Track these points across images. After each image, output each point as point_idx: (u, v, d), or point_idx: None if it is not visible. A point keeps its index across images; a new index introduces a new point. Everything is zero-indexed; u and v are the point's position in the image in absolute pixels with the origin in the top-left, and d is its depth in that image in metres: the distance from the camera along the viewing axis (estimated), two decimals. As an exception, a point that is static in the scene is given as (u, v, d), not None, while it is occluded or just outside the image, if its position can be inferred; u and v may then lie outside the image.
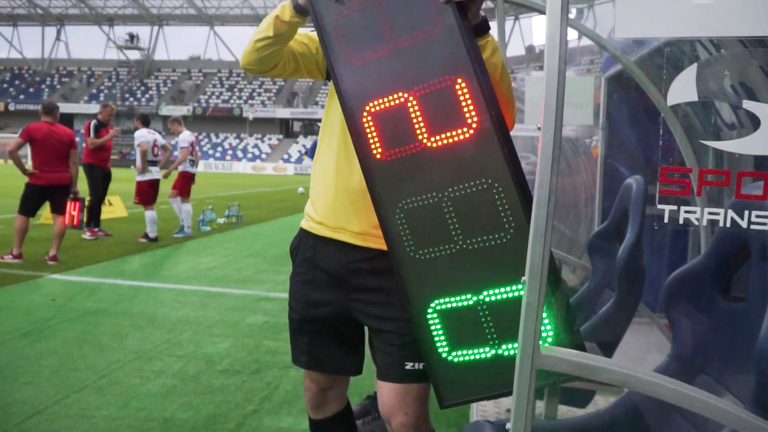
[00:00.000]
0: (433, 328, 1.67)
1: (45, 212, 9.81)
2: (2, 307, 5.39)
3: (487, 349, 1.61)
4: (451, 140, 1.60)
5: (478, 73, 1.56)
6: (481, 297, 1.60)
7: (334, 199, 1.94)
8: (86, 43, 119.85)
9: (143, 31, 66.02)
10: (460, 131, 1.59)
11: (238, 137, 59.46)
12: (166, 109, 57.62)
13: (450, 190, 1.61)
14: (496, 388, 1.64)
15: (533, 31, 48.45)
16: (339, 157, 1.93)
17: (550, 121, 1.08)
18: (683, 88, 1.18)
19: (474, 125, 1.57)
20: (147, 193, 9.49)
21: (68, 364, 4.03)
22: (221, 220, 12.38)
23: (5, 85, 65.15)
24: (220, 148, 58.17)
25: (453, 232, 1.62)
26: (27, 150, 7.74)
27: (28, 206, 7.36)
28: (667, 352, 1.89)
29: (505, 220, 1.55)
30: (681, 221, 1.18)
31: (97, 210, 9.76)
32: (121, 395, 3.57)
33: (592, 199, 5.85)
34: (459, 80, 1.58)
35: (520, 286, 1.48)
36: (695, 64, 1.19)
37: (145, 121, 9.79)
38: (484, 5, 1.76)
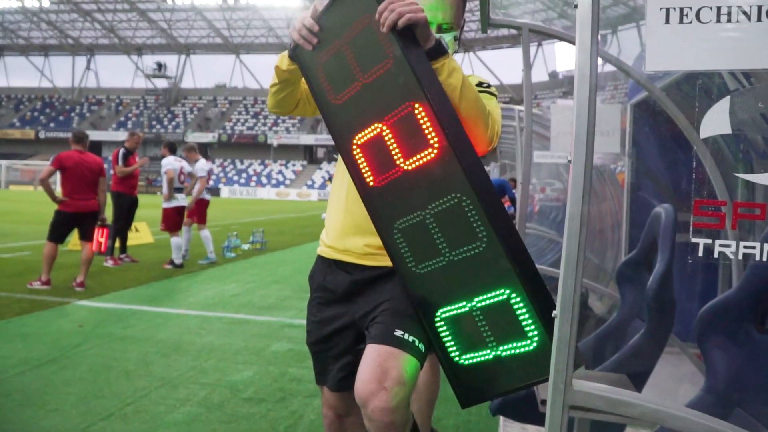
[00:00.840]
0: (443, 334, 1.80)
1: (73, 239, 9.98)
2: (31, 333, 5.45)
3: (488, 351, 1.72)
4: (421, 161, 1.74)
5: (428, 95, 1.69)
6: (473, 303, 1.72)
7: (342, 224, 2.07)
8: (115, 72, 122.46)
9: (171, 60, 67.35)
10: (427, 152, 1.73)
11: (263, 163, 60.05)
12: (192, 136, 58.43)
13: (430, 207, 1.74)
14: (501, 387, 1.75)
15: (556, 57, 48.68)
16: (350, 184, 2.01)
17: (581, 154, 1.08)
18: (716, 121, 1.18)
19: (436, 145, 1.71)
20: (173, 220, 9.60)
21: (95, 391, 4.05)
22: (246, 246, 12.45)
23: (36, 114, 66.63)
24: (244, 174, 58.75)
25: (440, 246, 1.75)
26: (56, 177, 7.89)
27: (57, 233, 7.47)
28: (699, 382, 1.85)
29: (477, 230, 1.67)
30: (716, 255, 1.16)
31: (123, 237, 9.89)
32: (146, 423, 3.57)
33: (618, 226, 5.79)
34: (416, 105, 1.72)
35: (501, 291, 1.64)
36: (728, 97, 1.18)
37: (172, 149, 9.93)
38: (507, 31, 1.84)
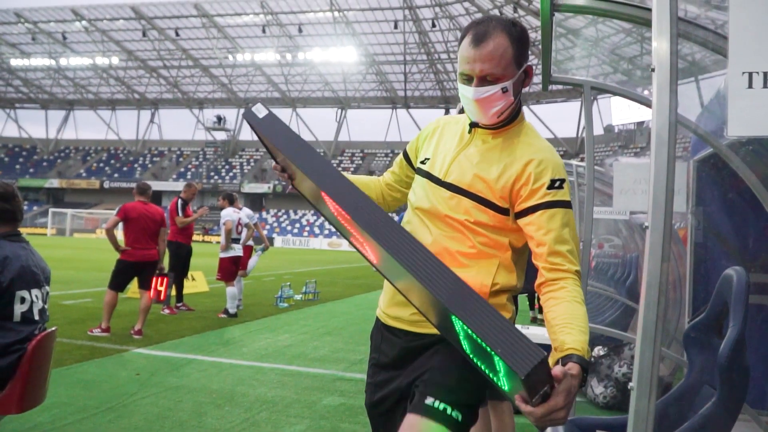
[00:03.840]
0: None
1: (132, 287, 10.22)
2: (90, 380, 5.55)
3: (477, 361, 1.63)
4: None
5: (327, 188, 1.62)
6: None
7: (392, 290, 2.06)
8: (177, 125, 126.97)
9: (230, 114, 69.55)
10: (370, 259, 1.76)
11: (316, 214, 60.83)
12: (248, 187, 59.80)
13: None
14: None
15: (612, 111, 48.32)
16: None
17: (659, 220, 1.04)
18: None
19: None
20: (228, 270, 9.76)
21: (149, 442, 4.07)
22: (298, 297, 12.52)
23: (102, 165, 69.43)
24: (297, 225, 59.56)
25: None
26: (119, 226, 8.15)
27: (119, 281, 7.67)
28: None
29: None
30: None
31: (180, 286, 10.10)
32: (199, 476, 3.55)
33: (680, 284, 5.60)
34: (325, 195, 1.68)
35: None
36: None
37: (231, 200, 10.16)
38: (561, 86, 1.80)
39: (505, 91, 1.86)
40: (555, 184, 1.85)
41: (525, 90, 1.99)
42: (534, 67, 2.14)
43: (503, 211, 1.90)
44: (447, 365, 1.89)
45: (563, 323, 1.62)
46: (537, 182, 1.85)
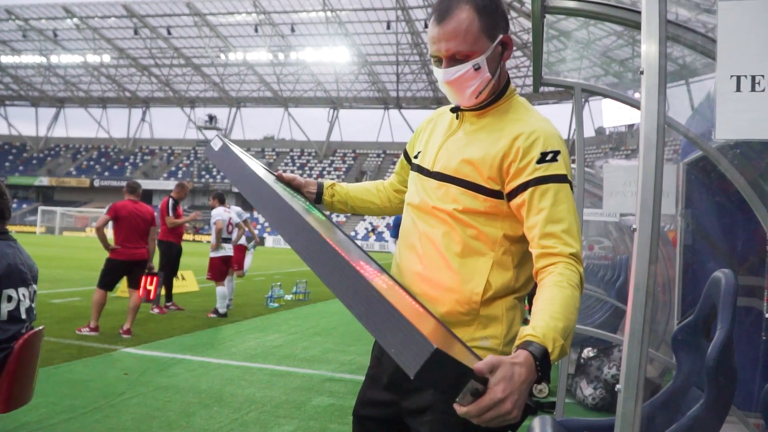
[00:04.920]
0: None
1: (122, 285, 10.17)
2: (78, 380, 5.52)
3: None
4: None
5: (267, 216, 1.58)
6: None
7: None
8: (168, 124, 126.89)
9: (221, 113, 69.44)
10: None
11: (307, 214, 60.72)
12: (240, 186, 59.53)
13: None
14: None
15: (603, 113, 48.49)
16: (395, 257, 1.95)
17: (647, 223, 1.05)
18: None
19: None
20: (219, 269, 9.73)
21: (137, 442, 4.05)
22: (289, 297, 12.49)
23: (92, 163, 69.11)
24: (289, 225, 59.42)
25: None
26: (108, 225, 8.10)
27: (108, 280, 7.63)
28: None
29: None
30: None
31: (169, 285, 10.07)
32: (187, 477, 3.54)
33: (669, 287, 5.62)
34: None
35: None
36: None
37: (221, 200, 10.14)
38: (553, 88, 1.73)
39: (477, 68, 1.70)
40: (546, 157, 1.64)
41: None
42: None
43: (494, 194, 1.70)
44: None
45: (535, 312, 1.45)
46: (526, 157, 1.65)
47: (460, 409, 1.22)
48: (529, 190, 1.62)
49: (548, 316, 1.41)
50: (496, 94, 1.80)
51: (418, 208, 1.84)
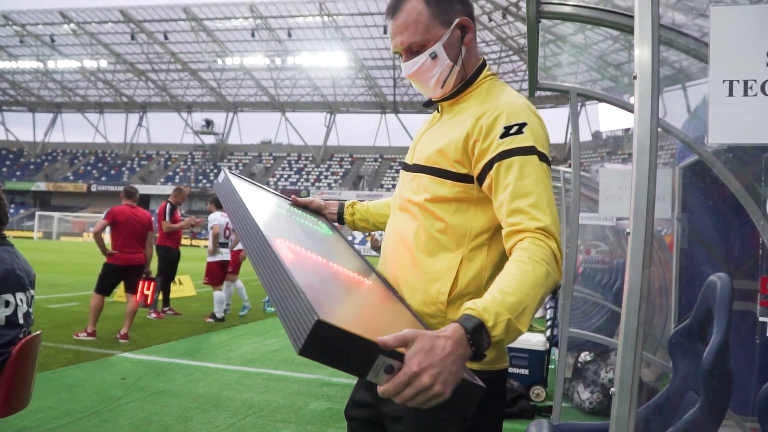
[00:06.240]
0: None
1: (119, 290, 10.16)
2: (75, 384, 5.51)
3: None
4: None
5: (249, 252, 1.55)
6: None
7: None
8: (165, 129, 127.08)
9: (218, 117, 69.37)
10: None
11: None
12: (237, 191, 59.42)
13: None
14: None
15: (600, 117, 48.57)
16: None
17: (640, 227, 1.05)
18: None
19: None
20: (216, 274, 9.72)
21: (134, 447, 4.04)
22: (286, 302, 12.46)
23: (89, 168, 68.98)
24: (286, 229, 59.34)
25: None
26: (106, 229, 8.10)
27: (105, 285, 7.63)
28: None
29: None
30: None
31: (166, 290, 10.05)
32: (184, 482, 3.53)
33: (666, 291, 5.63)
34: None
35: None
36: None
37: (219, 204, 10.13)
38: (549, 92, 1.72)
39: (434, 56, 1.66)
40: (510, 131, 1.54)
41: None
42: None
43: (462, 178, 1.63)
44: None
45: (489, 289, 1.35)
46: (489, 134, 1.56)
47: (379, 389, 1.14)
48: (494, 167, 1.54)
49: (496, 290, 1.32)
50: (467, 80, 1.74)
51: (397, 207, 1.82)
